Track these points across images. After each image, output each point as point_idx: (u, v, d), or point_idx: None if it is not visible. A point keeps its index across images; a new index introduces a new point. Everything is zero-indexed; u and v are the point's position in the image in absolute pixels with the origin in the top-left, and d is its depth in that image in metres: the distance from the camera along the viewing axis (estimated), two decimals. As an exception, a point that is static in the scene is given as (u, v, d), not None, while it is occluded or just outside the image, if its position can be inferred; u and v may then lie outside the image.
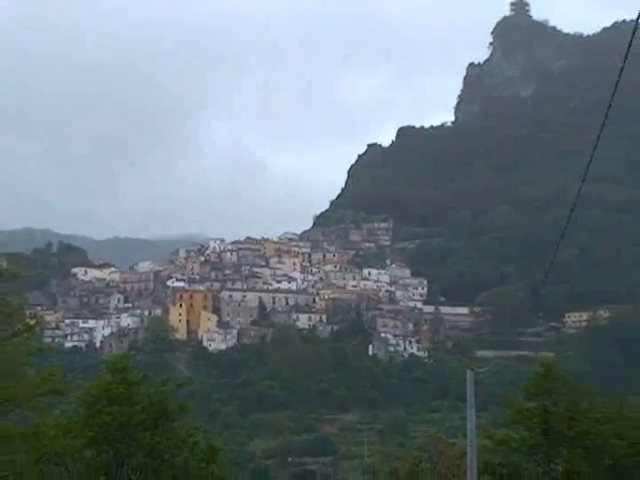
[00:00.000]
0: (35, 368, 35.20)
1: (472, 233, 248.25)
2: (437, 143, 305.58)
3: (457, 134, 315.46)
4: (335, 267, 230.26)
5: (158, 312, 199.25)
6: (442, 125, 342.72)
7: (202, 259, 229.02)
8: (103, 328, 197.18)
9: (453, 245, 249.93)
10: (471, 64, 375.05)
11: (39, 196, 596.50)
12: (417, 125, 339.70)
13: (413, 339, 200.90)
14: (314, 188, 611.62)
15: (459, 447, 54.97)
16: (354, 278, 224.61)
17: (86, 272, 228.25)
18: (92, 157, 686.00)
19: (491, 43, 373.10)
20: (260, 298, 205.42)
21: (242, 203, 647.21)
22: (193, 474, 33.95)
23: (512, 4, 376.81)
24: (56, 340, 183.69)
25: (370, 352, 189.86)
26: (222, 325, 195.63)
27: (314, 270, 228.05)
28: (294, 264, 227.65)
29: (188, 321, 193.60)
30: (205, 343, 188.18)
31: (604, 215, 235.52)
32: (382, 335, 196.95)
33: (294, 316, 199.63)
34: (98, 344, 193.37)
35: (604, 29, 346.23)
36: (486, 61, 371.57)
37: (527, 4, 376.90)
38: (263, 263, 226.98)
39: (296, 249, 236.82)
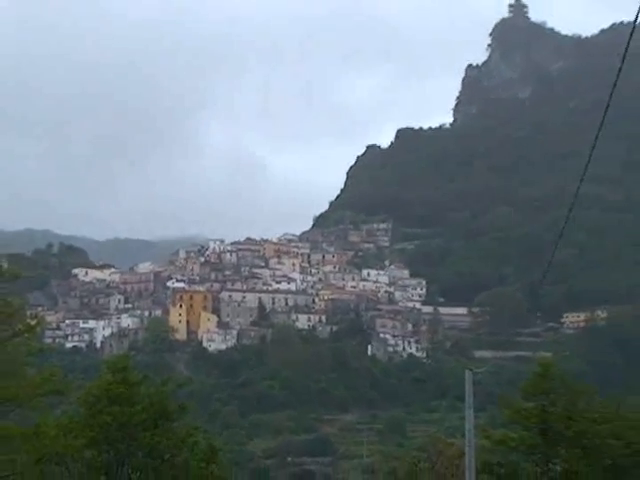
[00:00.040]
0: (36, 368, 35.20)
1: (471, 234, 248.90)
2: (436, 144, 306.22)
3: (456, 135, 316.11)
4: (334, 268, 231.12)
5: (158, 313, 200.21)
6: (441, 126, 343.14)
7: (202, 260, 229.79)
8: (103, 328, 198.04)
9: (452, 246, 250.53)
10: (469, 65, 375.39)
11: (39, 196, 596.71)
12: (416, 126, 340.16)
13: (412, 339, 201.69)
14: (313, 189, 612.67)
15: (458, 447, 54.54)
16: (353, 279, 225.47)
17: (86, 273, 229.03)
18: (92, 157, 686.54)
19: (489, 45, 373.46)
20: (260, 299, 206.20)
21: (242, 204, 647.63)
22: (193, 474, 34.10)
23: (510, 6, 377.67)
24: (57, 340, 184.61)
25: (369, 352, 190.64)
26: (222, 325, 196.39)
27: (313, 271, 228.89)
28: (293, 265, 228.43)
29: (188, 321, 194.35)
30: (205, 343, 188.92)
31: (602, 215, 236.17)
32: (381, 335, 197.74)
33: (293, 316, 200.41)
34: (98, 344, 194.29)
35: (602, 31, 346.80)
36: (484, 62, 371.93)
37: (525, 6, 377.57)
38: (263, 264, 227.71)
39: (295, 250, 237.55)
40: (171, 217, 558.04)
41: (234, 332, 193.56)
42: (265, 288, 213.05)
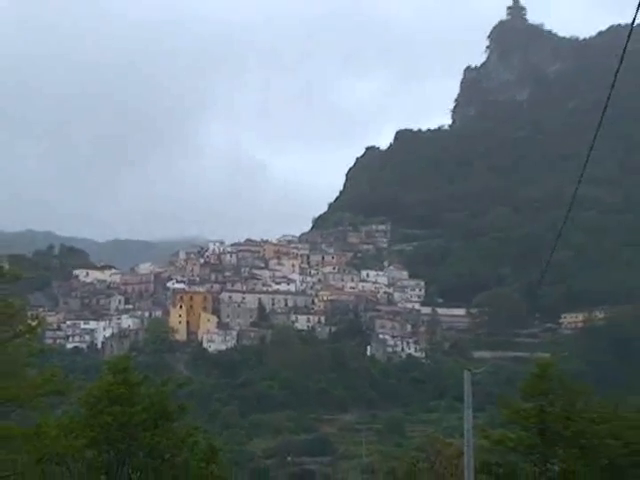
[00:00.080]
0: (37, 369, 35.08)
1: (469, 235, 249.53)
2: (434, 146, 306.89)
3: (454, 137, 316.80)
4: (333, 269, 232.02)
5: (158, 313, 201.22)
6: (439, 128, 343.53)
7: (202, 261, 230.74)
8: (104, 329, 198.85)
9: (450, 247, 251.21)
10: (468, 67, 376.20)
11: (40, 196, 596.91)
12: (415, 128, 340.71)
13: (411, 340, 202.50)
14: (313, 190, 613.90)
15: (456, 447, 54.96)
16: (352, 280, 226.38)
17: (87, 274, 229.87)
18: (92, 158, 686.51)
19: (488, 46, 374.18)
20: (259, 299, 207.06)
21: (241, 205, 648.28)
22: (193, 474, 34.21)
23: (508, 8, 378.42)
24: (57, 341, 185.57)
25: (368, 353, 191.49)
26: (222, 326, 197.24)
27: (313, 272, 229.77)
28: (293, 266, 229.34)
29: (188, 322, 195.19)
30: (205, 344, 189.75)
31: (600, 216, 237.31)
32: (380, 336, 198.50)
33: (293, 317, 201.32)
34: (99, 345, 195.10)
35: (599, 33, 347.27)
36: (483, 64, 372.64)
37: (523, 8, 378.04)
38: (262, 265, 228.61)
39: (295, 251, 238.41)
40: (171, 218, 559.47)
41: (234, 333, 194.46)
42: (265, 289, 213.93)
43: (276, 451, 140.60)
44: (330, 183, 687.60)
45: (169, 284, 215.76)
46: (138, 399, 33.76)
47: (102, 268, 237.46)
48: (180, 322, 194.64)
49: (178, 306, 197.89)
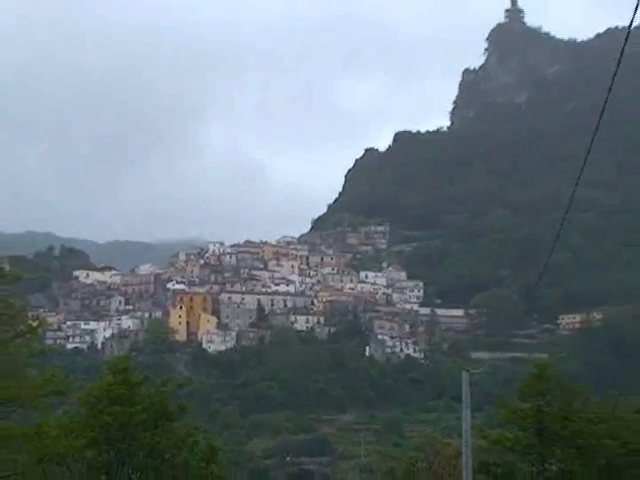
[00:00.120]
0: (37, 369, 34.92)
1: (468, 236, 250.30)
2: (433, 147, 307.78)
3: (453, 138, 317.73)
4: (333, 270, 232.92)
5: (158, 314, 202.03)
6: (438, 130, 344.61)
7: (202, 262, 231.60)
8: (104, 330, 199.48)
9: (449, 248, 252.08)
10: (466, 70, 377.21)
11: (40, 196, 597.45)
12: (414, 130, 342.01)
13: (409, 341, 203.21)
14: (312, 192, 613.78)
15: (454, 447, 55.13)
16: (351, 281, 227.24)
17: (87, 275, 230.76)
18: (92, 158, 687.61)
19: (486, 49, 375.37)
20: (259, 300, 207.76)
21: (241, 206, 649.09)
22: (193, 473, 34.29)
23: (507, 10, 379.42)
24: (58, 342, 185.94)
25: (367, 353, 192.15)
26: (221, 327, 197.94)
27: (312, 273, 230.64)
28: (292, 267, 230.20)
29: (188, 323, 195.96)
30: (205, 344, 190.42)
31: (598, 218, 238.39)
32: (379, 337, 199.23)
33: (292, 318, 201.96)
34: (99, 346, 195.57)
35: (597, 35, 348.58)
36: (481, 67, 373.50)
37: (521, 11, 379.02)
38: (262, 266, 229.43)
39: (294, 252, 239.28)
40: (171, 219, 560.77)
41: (233, 333, 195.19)
42: (264, 290, 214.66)
43: (275, 451, 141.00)
44: (329, 184, 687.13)
45: (169, 285, 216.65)
46: (138, 399, 33.83)
47: (102, 269, 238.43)
48: (180, 323, 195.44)
49: (178, 307, 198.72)
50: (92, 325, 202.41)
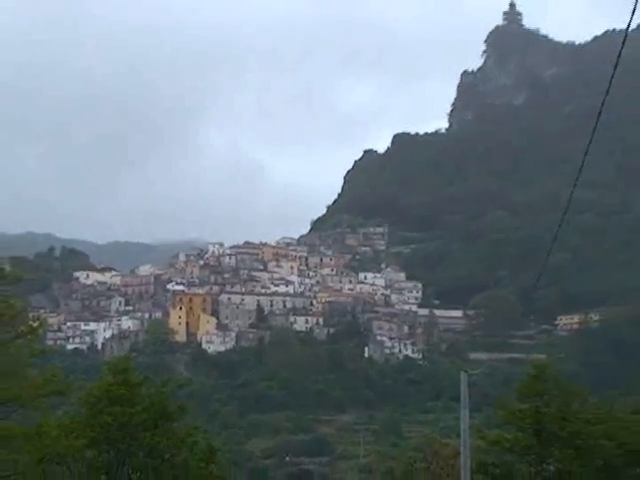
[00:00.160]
0: (38, 369, 34.62)
1: (466, 237, 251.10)
2: (432, 149, 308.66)
3: (451, 140, 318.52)
4: (332, 271, 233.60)
5: (158, 315, 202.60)
6: (436, 131, 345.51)
7: (201, 263, 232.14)
8: (104, 330, 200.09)
9: (447, 249, 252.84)
10: (465, 71, 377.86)
11: (40, 197, 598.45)
12: (412, 131, 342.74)
13: (408, 341, 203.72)
14: (311, 193, 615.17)
15: (453, 447, 55.01)
16: (350, 282, 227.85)
17: (88, 276, 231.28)
18: (93, 159, 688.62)
19: (484, 51, 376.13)
20: (258, 301, 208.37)
21: (241, 207, 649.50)
22: (192, 473, 34.54)
23: (505, 13, 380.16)
24: (58, 342, 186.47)
25: (366, 354, 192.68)
26: (221, 327, 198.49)
27: (311, 274, 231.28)
28: (291, 268, 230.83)
29: (188, 324, 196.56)
30: (204, 345, 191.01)
31: (596, 219, 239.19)
32: (378, 337, 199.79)
33: (291, 319, 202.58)
34: (99, 346, 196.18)
35: (595, 37, 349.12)
36: (480, 68, 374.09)
37: (519, 13, 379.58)
38: (261, 267, 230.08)
39: (293, 253, 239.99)
40: (171, 220, 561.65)
41: (233, 334, 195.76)
42: (263, 291, 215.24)
43: (274, 451, 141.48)
44: (328, 185, 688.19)
45: (169, 286, 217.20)
46: (138, 399, 34.06)
47: (103, 270, 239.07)
48: (180, 323, 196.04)
49: (178, 307, 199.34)
50: (92, 326, 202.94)
